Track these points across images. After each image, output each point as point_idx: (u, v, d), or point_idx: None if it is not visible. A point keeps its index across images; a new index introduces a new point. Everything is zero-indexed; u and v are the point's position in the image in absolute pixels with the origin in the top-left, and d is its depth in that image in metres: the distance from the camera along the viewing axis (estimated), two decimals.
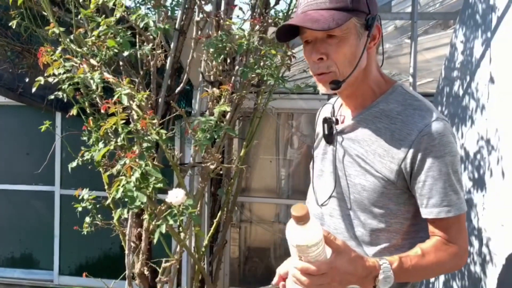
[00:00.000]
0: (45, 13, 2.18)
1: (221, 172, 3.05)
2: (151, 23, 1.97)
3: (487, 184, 1.74)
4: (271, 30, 2.56)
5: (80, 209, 2.31)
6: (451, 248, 1.01)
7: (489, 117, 1.77)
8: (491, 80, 1.76)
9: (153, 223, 1.89)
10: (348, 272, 0.91)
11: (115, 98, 1.67)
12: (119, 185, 1.61)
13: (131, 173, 1.61)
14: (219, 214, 2.77)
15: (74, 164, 2.27)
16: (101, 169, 2.27)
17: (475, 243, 1.78)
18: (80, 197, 2.32)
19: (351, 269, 0.91)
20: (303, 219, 0.86)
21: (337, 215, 1.11)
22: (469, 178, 1.90)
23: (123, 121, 1.67)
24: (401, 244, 1.05)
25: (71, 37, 2.08)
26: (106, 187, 2.28)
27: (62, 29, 2.04)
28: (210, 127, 1.84)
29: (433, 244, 1.01)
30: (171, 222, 1.61)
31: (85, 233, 2.35)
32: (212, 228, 2.69)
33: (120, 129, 1.69)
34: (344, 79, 1.02)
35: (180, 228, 2.08)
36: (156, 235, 1.62)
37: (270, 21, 2.31)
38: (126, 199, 1.60)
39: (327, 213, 1.14)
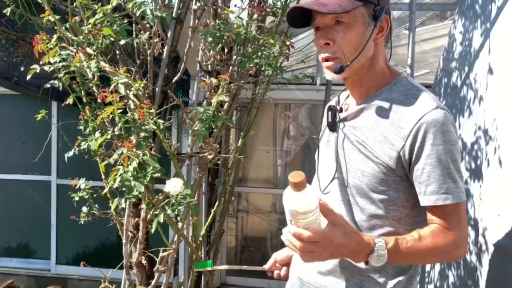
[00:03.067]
0: (40, 1, 2.15)
1: (218, 162, 3.05)
2: (148, 11, 1.95)
3: (484, 175, 1.74)
4: (269, 19, 2.54)
5: (77, 198, 2.31)
6: (448, 235, 1.01)
7: (487, 108, 1.77)
8: (490, 71, 1.76)
9: (151, 212, 1.89)
10: (341, 245, 0.93)
11: (112, 87, 1.66)
12: (116, 174, 1.60)
13: (129, 163, 1.60)
14: (216, 204, 2.78)
15: (70, 153, 2.26)
16: (98, 159, 2.26)
17: (472, 233, 1.79)
18: (77, 187, 2.32)
19: (345, 242, 0.93)
20: (299, 186, 0.88)
21: (338, 200, 1.13)
22: (466, 169, 1.91)
23: (120, 110, 1.66)
24: (400, 233, 1.06)
25: (67, 25, 2.06)
26: (103, 176, 2.27)
27: (57, 17, 2.01)
28: (208, 117, 1.83)
29: (431, 229, 1.02)
30: (169, 211, 1.61)
31: (82, 223, 2.35)
32: (209, 218, 2.69)
33: (117, 119, 1.68)
34: (348, 63, 1.05)
35: (178, 218, 2.08)
36: (154, 225, 1.62)
37: (268, 10, 2.29)
38: (123, 189, 1.60)
39: (328, 199, 1.15)
